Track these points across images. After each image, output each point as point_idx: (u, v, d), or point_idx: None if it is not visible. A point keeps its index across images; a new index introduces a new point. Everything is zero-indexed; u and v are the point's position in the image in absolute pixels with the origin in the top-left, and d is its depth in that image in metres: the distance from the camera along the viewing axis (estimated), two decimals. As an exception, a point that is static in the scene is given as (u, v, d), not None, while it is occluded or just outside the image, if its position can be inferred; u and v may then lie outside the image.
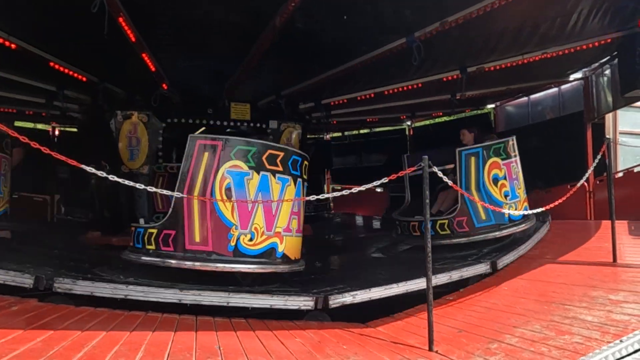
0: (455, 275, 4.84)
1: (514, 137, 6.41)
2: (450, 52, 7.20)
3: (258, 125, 8.86)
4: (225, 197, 4.22)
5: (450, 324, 3.67)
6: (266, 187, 4.40)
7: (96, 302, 3.78)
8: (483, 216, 5.99)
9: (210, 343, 3.06)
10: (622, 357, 2.73)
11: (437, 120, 13.27)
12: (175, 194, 4.00)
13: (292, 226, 4.70)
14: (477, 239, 6.01)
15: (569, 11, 6.14)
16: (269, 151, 4.49)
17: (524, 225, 6.20)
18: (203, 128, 9.60)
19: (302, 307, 4.05)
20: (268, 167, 4.43)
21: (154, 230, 4.32)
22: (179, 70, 7.45)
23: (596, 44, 7.10)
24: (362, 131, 15.08)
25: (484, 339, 3.20)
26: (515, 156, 6.34)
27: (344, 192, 3.76)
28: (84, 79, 7.37)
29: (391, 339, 3.45)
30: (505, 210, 5.77)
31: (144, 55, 6.36)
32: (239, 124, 8.77)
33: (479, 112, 12.17)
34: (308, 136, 12.13)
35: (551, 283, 4.46)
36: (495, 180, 6.02)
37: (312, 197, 4.10)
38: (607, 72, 8.76)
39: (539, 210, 4.93)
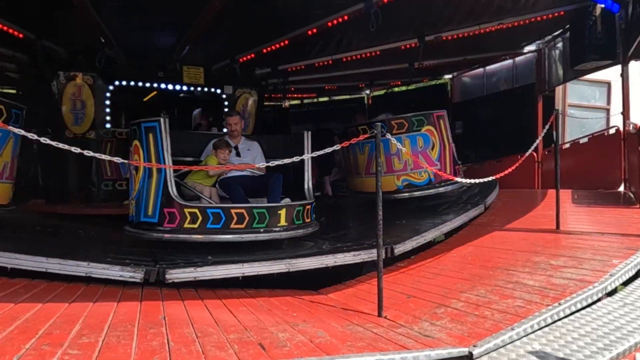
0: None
1: None
2: (408, 20, 7.11)
3: (212, 90, 8.54)
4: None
5: (400, 290, 3.72)
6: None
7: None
8: None
9: (155, 313, 2.96)
10: (560, 319, 2.84)
11: (395, 89, 13.29)
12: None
13: None
14: None
15: (524, -19, 6.17)
16: None
17: None
18: (154, 92, 9.20)
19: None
20: None
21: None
22: (127, 28, 6.97)
23: (550, 16, 7.21)
24: (321, 99, 14.92)
25: (431, 304, 3.26)
26: None
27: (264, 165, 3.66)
28: (20, 35, 6.79)
29: (342, 306, 3.46)
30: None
31: (87, 11, 5.90)
32: (192, 88, 8.42)
33: (436, 82, 12.26)
34: (266, 103, 11.89)
35: (497, 249, 4.60)
36: None
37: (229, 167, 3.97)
38: (559, 45, 8.95)
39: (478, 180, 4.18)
